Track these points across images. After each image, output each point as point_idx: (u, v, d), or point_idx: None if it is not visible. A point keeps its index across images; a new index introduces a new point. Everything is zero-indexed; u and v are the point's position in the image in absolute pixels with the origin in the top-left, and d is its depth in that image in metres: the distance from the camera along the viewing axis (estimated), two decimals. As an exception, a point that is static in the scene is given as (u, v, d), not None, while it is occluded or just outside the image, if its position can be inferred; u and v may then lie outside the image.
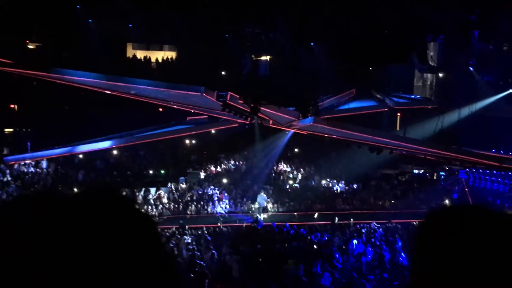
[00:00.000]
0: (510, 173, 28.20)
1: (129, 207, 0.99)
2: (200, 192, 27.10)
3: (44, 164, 28.17)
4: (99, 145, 29.18)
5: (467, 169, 29.16)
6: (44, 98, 27.99)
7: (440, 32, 25.61)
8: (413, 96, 33.42)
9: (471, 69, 30.16)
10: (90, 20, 30.51)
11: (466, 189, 29.81)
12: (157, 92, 25.52)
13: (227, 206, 26.11)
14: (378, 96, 32.58)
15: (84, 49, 28.99)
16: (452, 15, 22.62)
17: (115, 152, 30.61)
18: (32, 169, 27.71)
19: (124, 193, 1.04)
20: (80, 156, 29.66)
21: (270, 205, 26.21)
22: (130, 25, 31.57)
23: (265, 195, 26.18)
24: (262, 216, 24.58)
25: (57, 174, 27.76)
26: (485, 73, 30.52)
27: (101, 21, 30.52)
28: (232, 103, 23.51)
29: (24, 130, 30.68)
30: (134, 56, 35.20)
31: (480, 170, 28.86)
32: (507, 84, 30.10)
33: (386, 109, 30.55)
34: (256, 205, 25.76)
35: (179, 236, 18.89)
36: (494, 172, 28.61)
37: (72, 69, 25.07)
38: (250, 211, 25.90)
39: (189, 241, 18.32)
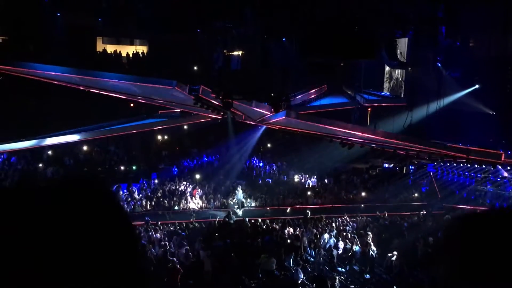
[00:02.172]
0: (476, 166, 29.00)
1: (103, 199, 1.00)
2: (173, 188, 26.93)
3: (12, 159, 27.57)
4: (67, 138, 28.61)
5: (435, 163, 29.82)
6: (10, 93, 27.27)
7: (409, 28, 26.02)
8: (383, 94, 33.96)
9: (439, 65, 30.79)
10: (58, 14, 29.82)
11: (434, 182, 30.53)
12: (128, 86, 25.18)
13: (200, 202, 26.03)
14: (349, 92, 32.98)
15: (52, 43, 28.36)
16: (420, 11, 23.02)
17: (85, 147, 30.11)
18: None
19: (102, 185, 1.03)
20: (49, 152, 29.08)
21: (246, 201, 26.25)
22: (100, 19, 31.01)
23: (241, 191, 26.25)
24: (240, 212, 24.62)
25: (24, 170, 27.15)
26: (452, 69, 31.22)
27: (70, 15, 29.85)
28: (204, 97, 23.39)
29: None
30: (104, 50, 34.62)
31: (448, 164, 29.57)
32: (473, 80, 30.85)
33: (357, 106, 30.96)
34: (235, 201, 25.81)
35: (150, 232, 18.76)
36: (461, 165, 29.35)
37: (39, 63, 24.50)
38: (223, 207, 25.89)
39: (160, 237, 18.22)
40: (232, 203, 25.87)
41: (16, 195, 0.95)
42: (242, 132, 30.90)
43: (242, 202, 25.62)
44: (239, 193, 25.94)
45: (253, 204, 26.27)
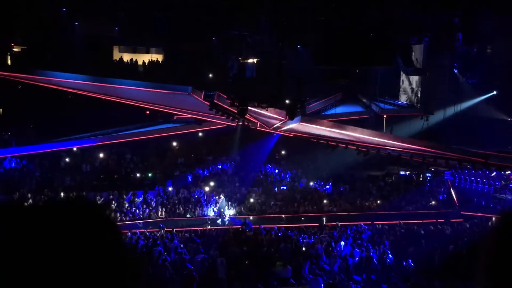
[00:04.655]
0: (495, 172, 28.60)
1: (93, 214, 1.04)
2: (188, 195, 27.04)
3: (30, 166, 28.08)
4: (84, 143, 29.11)
5: (453, 170, 29.50)
6: (29, 101, 27.73)
7: (425, 35, 25.87)
8: (399, 102, 33.70)
9: (456, 71, 30.54)
10: (76, 23, 30.29)
11: (452, 190, 30.16)
12: (144, 93, 25.42)
13: (215, 209, 26.08)
14: (364, 100, 32.82)
15: (69, 52, 28.80)
16: (436, 17, 22.87)
17: (101, 155, 30.42)
18: (14, 164, 27.69)
19: (93, 201, 1.09)
20: (67, 159, 29.46)
21: (229, 211, 26.12)
22: (116, 28, 31.40)
23: (224, 199, 26.24)
24: (223, 220, 24.64)
25: (43, 177, 27.54)
26: (470, 76, 30.94)
27: (87, 24, 30.31)
28: (219, 103, 23.51)
29: (9, 133, 30.36)
30: (121, 58, 35.02)
31: (466, 171, 29.22)
32: (490, 86, 30.53)
33: (371, 116, 30.77)
34: (216, 209, 25.82)
35: (166, 240, 18.84)
36: (479, 173, 28.97)
37: (57, 72, 24.92)
38: (238, 214, 25.92)
39: (177, 244, 18.27)
40: (214, 211, 25.83)
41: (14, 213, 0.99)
42: (256, 139, 30.93)
43: (222, 211, 25.56)
44: (222, 201, 25.92)
45: (231, 213, 26.07)
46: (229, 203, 26.49)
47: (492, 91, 31.16)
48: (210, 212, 25.72)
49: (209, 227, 22.68)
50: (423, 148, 24.40)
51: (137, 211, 24.70)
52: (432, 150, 24.26)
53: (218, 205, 26.01)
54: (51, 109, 27.65)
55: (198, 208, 25.91)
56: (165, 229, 20.24)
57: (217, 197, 26.54)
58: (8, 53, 30.81)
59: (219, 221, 24.57)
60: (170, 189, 27.65)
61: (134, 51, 35.54)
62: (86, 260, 0.95)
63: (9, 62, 30.19)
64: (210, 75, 32.85)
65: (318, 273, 16.84)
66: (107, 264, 0.98)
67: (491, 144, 24.89)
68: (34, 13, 27.44)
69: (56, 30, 28.65)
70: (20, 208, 1.02)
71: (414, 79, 32.75)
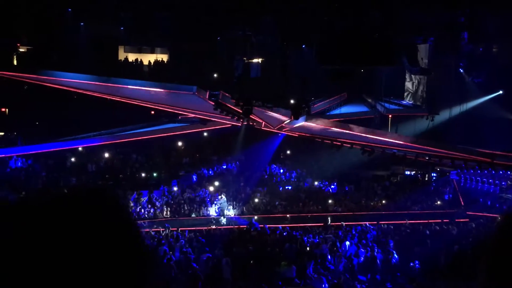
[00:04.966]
0: (500, 172, 28.47)
1: (111, 207, 1.04)
2: (193, 195, 27.08)
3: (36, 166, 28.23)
4: (90, 142, 29.25)
5: (458, 170, 29.39)
6: (35, 101, 27.87)
7: (430, 34, 25.75)
8: (404, 102, 33.60)
9: (461, 70, 30.41)
10: (81, 23, 30.40)
11: (458, 190, 30.05)
12: (149, 94, 25.47)
13: (216, 209, 26.05)
14: (369, 100, 32.75)
15: (75, 52, 28.91)
16: (441, 17, 22.77)
17: (106, 155, 30.52)
18: (20, 164, 27.82)
19: (112, 194, 1.09)
20: (72, 159, 29.58)
21: (228, 211, 26.05)
22: (122, 28, 31.48)
23: (225, 199, 26.18)
24: (224, 220, 24.57)
25: (48, 177, 27.66)
26: (475, 75, 30.79)
27: (92, 24, 30.41)
28: (224, 103, 23.52)
29: (15, 133, 30.52)
30: (126, 59, 35.11)
31: (471, 171, 29.11)
32: (496, 85, 30.39)
33: (376, 116, 30.69)
34: (216, 208, 25.77)
35: (171, 239, 18.88)
36: (485, 172, 28.85)
37: (62, 72, 25.04)
38: (242, 214, 25.93)
39: (182, 243, 18.31)
40: (215, 210, 25.80)
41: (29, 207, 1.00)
42: (261, 139, 30.92)
43: (223, 210, 25.53)
44: (223, 201, 25.87)
45: (232, 213, 26.03)
46: (229, 203, 26.44)
47: (498, 91, 31.00)
48: (212, 212, 25.71)
49: (213, 226, 22.70)
50: (428, 147, 24.33)
51: (142, 210, 24.76)
52: (437, 149, 24.18)
53: (219, 205, 25.96)
54: (56, 109, 27.77)
55: (203, 207, 25.95)
56: (171, 229, 20.28)
57: (220, 197, 26.52)
58: (14, 54, 30.97)
59: (222, 221, 24.53)
60: (175, 188, 27.70)
61: (139, 51, 35.63)
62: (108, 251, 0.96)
63: (15, 62, 30.35)
64: (215, 75, 32.89)
65: (323, 273, 16.82)
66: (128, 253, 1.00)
67: (497, 144, 24.79)
68: (39, 14, 27.58)
69: (61, 31, 28.77)
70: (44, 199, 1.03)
71: (419, 79, 32.65)
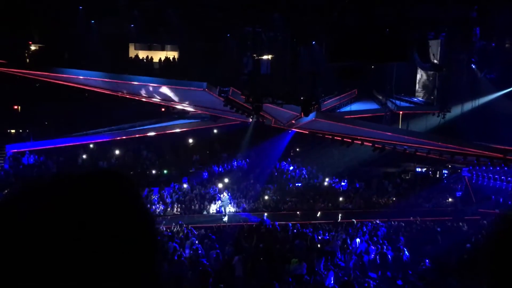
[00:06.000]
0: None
1: (128, 189, 1.04)
2: (204, 192, 27.15)
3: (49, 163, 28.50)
4: (100, 138, 29.50)
5: (470, 167, 29.14)
6: (46, 99, 28.11)
7: (442, 30, 25.57)
8: (415, 99, 33.34)
9: (473, 66, 30.12)
10: (92, 21, 30.60)
11: (469, 187, 29.81)
12: (159, 91, 25.57)
13: (218, 206, 26.06)
14: (379, 97, 32.55)
15: (86, 50, 29.11)
16: (453, 12, 22.58)
17: (117, 152, 30.72)
18: (32, 159, 28.15)
19: (128, 176, 1.08)
20: (84, 156, 29.82)
21: (230, 208, 25.94)
22: (132, 25, 31.63)
23: (227, 197, 26.13)
24: (226, 218, 24.51)
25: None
26: (488, 71, 30.49)
27: (103, 22, 30.62)
28: (234, 99, 23.53)
29: (27, 130, 30.81)
30: (136, 56, 35.27)
31: (483, 168, 28.84)
32: (509, 81, 30.05)
33: (387, 113, 30.52)
34: (221, 205, 25.73)
35: (182, 235, 18.94)
36: (497, 169, 28.56)
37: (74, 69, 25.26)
38: (253, 211, 25.95)
39: (193, 240, 18.36)
40: (216, 208, 25.76)
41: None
42: (271, 136, 30.90)
43: (225, 208, 25.50)
44: (225, 199, 25.84)
45: (232, 210, 25.89)
46: (234, 200, 26.42)
47: (511, 86, 30.65)
48: (212, 210, 25.67)
49: (224, 223, 22.73)
50: (440, 143, 24.13)
51: (153, 207, 24.88)
52: (449, 145, 23.99)
53: (220, 203, 25.94)
54: (68, 107, 27.99)
55: (213, 204, 26.01)
56: (184, 226, 20.33)
57: (221, 195, 26.45)
58: (26, 51, 31.26)
59: (224, 218, 24.42)
60: (185, 185, 27.79)
61: (150, 48, 35.75)
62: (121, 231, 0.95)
63: (27, 60, 30.63)
64: (225, 72, 32.93)
65: (333, 269, 16.79)
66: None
67: (510, 140, 24.53)
68: (51, 12, 27.80)
69: (72, 29, 28.99)
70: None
71: (431, 75, 32.39)
